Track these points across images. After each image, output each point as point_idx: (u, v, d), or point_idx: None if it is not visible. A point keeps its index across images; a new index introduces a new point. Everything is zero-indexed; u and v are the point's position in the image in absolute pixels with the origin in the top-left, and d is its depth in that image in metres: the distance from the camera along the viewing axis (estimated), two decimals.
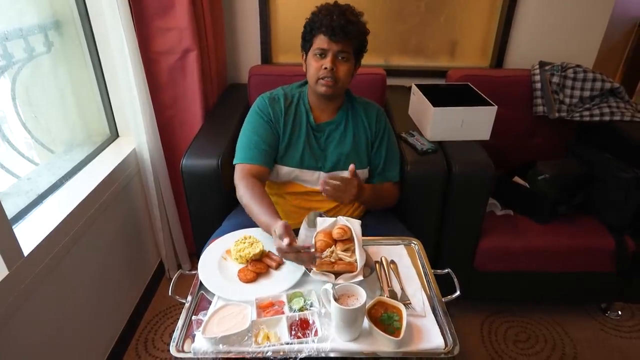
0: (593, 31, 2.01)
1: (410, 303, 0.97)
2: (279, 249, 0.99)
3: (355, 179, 1.19)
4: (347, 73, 1.25)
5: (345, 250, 1.03)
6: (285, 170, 1.34)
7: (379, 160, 1.39)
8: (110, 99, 1.69)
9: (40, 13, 1.41)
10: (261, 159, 1.29)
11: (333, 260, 1.01)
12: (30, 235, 1.16)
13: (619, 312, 1.83)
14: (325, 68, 1.22)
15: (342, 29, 1.18)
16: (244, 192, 1.20)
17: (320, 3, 1.26)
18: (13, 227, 1.07)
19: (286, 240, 0.95)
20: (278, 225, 0.99)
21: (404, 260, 1.12)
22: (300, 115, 1.34)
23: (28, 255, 1.10)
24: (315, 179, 1.35)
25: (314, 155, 1.34)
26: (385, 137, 1.40)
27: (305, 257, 0.98)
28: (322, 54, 1.23)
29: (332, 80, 1.23)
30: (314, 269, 1.00)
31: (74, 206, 1.30)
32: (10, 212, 1.18)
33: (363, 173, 1.38)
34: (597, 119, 1.80)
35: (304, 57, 1.30)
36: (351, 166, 1.18)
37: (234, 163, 1.32)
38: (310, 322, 0.89)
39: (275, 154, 1.33)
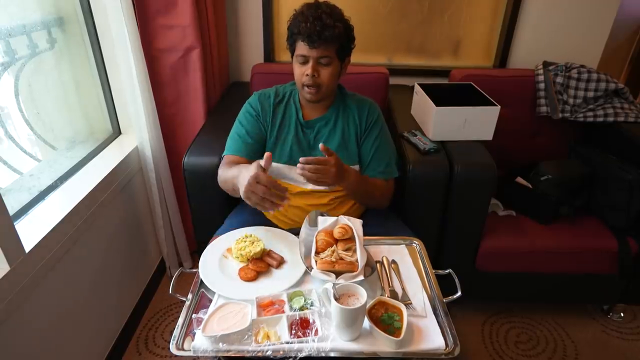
0: (598, 31, 1.99)
1: (411, 303, 0.97)
2: (254, 175, 0.99)
3: (331, 157, 1.14)
4: (331, 76, 1.24)
5: (346, 250, 1.03)
6: (273, 166, 1.34)
7: (367, 155, 1.36)
8: (113, 96, 1.69)
9: (44, 9, 1.41)
10: (243, 151, 1.32)
11: (334, 259, 1.00)
12: (32, 231, 1.16)
13: (621, 314, 1.82)
14: (307, 75, 1.21)
15: (319, 35, 1.16)
16: (221, 173, 1.27)
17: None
18: (15, 224, 1.08)
19: (261, 166, 1.01)
20: (255, 162, 1.04)
21: (405, 260, 1.11)
22: (290, 113, 1.35)
23: (29, 251, 1.10)
24: (300, 176, 1.34)
25: (302, 152, 1.34)
26: (374, 130, 1.36)
27: (274, 195, 0.98)
28: (304, 60, 1.22)
29: (315, 87, 1.24)
30: (315, 268, 1.00)
31: (76, 203, 1.31)
32: (12, 209, 1.18)
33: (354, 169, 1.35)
34: (601, 119, 1.79)
35: (292, 58, 1.29)
36: (321, 145, 1.13)
37: (222, 156, 1.37)
38: (311, 321, 0.89)
39: (261, 148, 1.34)
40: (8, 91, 1.28)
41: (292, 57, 1.27)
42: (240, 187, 1.04)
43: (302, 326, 0.88)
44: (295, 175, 1.34)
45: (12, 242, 1.05)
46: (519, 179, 1.71)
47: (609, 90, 1.80)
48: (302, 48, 1.20)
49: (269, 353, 0.84)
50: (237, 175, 1.10)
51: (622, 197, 1.54)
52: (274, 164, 1.35)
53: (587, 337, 1.73)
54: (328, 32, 1.16)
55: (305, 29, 1.16)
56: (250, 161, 1.29)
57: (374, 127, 1.36)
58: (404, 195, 1.47)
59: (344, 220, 1.10)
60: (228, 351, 0.85)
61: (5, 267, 1.03)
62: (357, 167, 1.37)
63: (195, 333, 0.88)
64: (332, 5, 1.22)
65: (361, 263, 1.00)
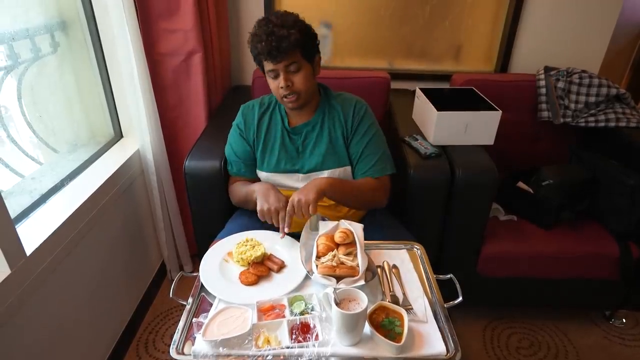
0: (599, 36, 2.00)
1: (412, 308, 0.97)
2: (279, 208, 1.15)
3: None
4: (305, 80, 1.24)
5: (347, 254, 1.03)
6: (263, 175, 1.38)
7: (356, 154, 1.34)
8: (115, 99, 1.69)
9: (47, 13, 1.42)
10: (239, 172, 1.41)
11: (335, 264, 1.00)
12: (33, 234, 1.16)
13: (623, 320, 1.81)
14: (282, 87, 1.23)
15: (277, 49, 1.17)
16: (232, 195, 1.42)
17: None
18: (16, 227, 1.08)
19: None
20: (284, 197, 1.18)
21: (406, 265, 1.11)
22: (276, 121, 1.36)
23: (30, 254, 1.10)
24: (293, 182, 1.35)
25: (291, 159, 1.35)
26: (361, 127, 1.33)
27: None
28: (275, 75, 1.23)
29: (293, 95, 1.24)
30: (316, 272, 1.00)
31: (77, 206, 1.31)
32: (13, 212, 1.18)
33: (344, 171, 1.35)
34: (602, 124, 1.79)
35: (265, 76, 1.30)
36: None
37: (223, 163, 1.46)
38: (311, 326, 0.89)
39: (252, 160, 1.39)
40: (11, 94, 1.29)
41: (264, 75, 1.29)
42: (259, 201, 1.18)
43: (302, 331, 0.88)
44: (286, 182, 1.37)
45: (13, 245, 1.05)
46: (520, 184, 1.71)
47: (610, 95, 1.80)
48: (268, 64, 1.22)
49: (269, 358, 0.84)
50: (255, 191, 1.25)
51: (624, 202, 1.54)
52: (264, 174, 1.38)
53: (588, 343, 1.72)
54: (284, 43, 1.16)
55: (263, 47, 1.18)
56: (244, 179, 1.41)
57: (360, 125, 1.34)
58: (405, 200, 1.47)
59: (345, 224, 1.10)
60: (228, 356, 0.84)
61: (6, 270, 1.03)
62: (348, 168, 1.36)
63: (195, 337, 0.88)
64: (282, 13, 1.22)
65: (362, 268, 1.00)
